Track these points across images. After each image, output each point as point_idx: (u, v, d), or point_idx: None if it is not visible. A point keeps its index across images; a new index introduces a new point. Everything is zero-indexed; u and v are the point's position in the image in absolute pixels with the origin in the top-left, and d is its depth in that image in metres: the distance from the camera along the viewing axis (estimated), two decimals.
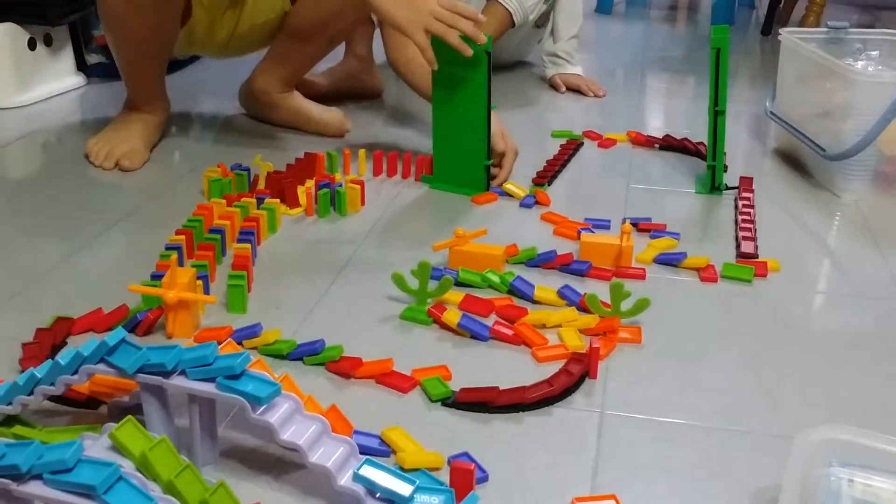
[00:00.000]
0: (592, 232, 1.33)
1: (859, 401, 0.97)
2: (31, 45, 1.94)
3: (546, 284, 1.18)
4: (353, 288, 1.18)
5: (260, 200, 1.37)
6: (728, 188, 1.53)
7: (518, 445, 0.88)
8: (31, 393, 0.82)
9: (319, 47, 1.74)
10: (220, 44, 1.71)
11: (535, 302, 1.15)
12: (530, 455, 0.87)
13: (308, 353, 1.00)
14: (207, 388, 0.78)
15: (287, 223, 1.37)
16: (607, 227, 1.36)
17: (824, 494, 0.73)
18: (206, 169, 1.47)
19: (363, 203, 1.44)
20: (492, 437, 0.89)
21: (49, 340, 1.01)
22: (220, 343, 0.91)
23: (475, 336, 1.06)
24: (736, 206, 1.46)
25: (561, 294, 1.15)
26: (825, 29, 1.71)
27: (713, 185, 1.53)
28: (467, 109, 1.45)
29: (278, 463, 0.84)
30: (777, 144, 1.79)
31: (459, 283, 1.17)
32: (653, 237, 1.34)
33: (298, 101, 1.80)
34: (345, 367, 0.98)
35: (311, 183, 1.46)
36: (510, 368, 1.01)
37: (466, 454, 0.85)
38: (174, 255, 1.13)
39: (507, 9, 2.07)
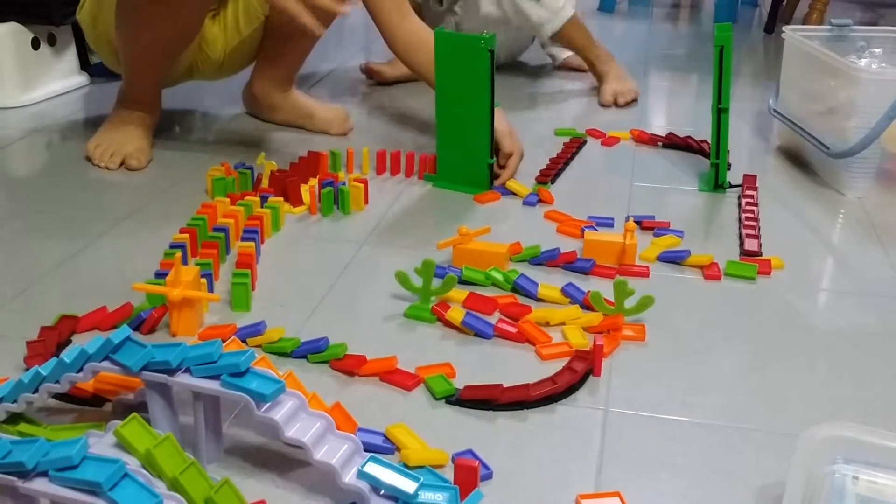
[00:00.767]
0: (596, 230, 1.33)
1: (863, 398, 0.97)
2: (35, 44, 1.94)
3: (550, 282, 1.18)
4: (356, 286, 1.18)
5: (264, 199, 1.37)
6: (731, 186, 1.53)
7: (522, 443, 0.88)
8: (37, 391, 0.83)
9: (307, 41, 1.74)
10: (215, 63, 1.71)
11: (538, 300, 1.15)
12: (534, 452, 0.87)
13: (312, 351, 1.00)
14: (212, 385, 0.78)
15: (290, 222, 1.38)
16: (611, 225, 1.36)
17: (829, 491, 0.73)
18: (209, 168, 1.47)
19: (366, 202, 1.44)
20: (496, 435, 0.89)
21: (54, 338, 1.01)
22: (224, 341, 0.91)
23: (479, 334, 1.06)
24: (739, 204, 1.46)
25: (565, 292, 1.15)
26: (829, 26, 1.70)
27: (716, 183, 1.53)
28: (470, 108, 1.45)
29: (283, 460, 0.84)
30: (780, 142, 1.78)
31: (463, 281, 1.17)
32: (656, 235, 1.34)
33: (300, 100, 1.80)
34: (349, 365, 0.98)
35: (314, 181, 1.46)
36: (514, 366, 1.01)
37: (470, 451, 0.85)
38: (178, 254, 1.12)
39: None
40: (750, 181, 1.53)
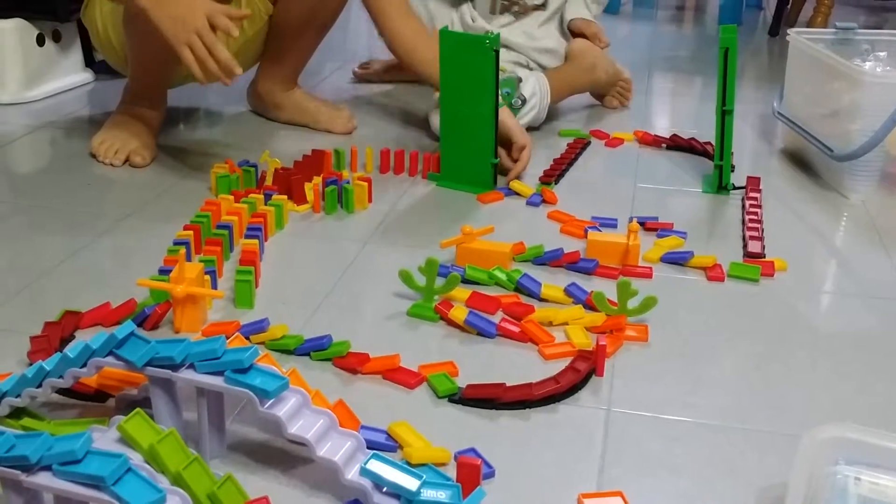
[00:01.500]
0: (599, 230, 1.33)
1: (865, 400, 0.98)
2: (40, 40, 1.94)
3: (553, 282, 1.18)
4: (360, 284, 1.18)
5: (267, 197, 1.37)
6: (735, 188, 1.53)
7: (524, 442, 0.88)
8: (40, 385, 0.83)
9: (311, 39, 1.74)
10: None
11: (541, 299, 1.15)
12: (537, 451, 0.87)
13: (315, 349, 1.00)
14: (216, 381, 0.78)
15: (294, 220, 1.38)
16: (614, 226, 1.36)
17: (831, 492, 0.73)
18: (213, 165, 1.48)
19: (370, 200, 1.44)
20: (498, 434, 0.89)
21: (57, 334, 1.01)
22: (227, 338, 0.91)
23: (482, 333, 1.06)
24: (743, 206, 1.46)
25: (568, 292, 1.15)
26: (834, 30, 1.70)
27: (720, 185, 1.53)
28: (475, 107, 1.45)
29: (285, 457, 0.84)
30: (784, 145, 1.78)
31: (466, 281, 1.17)
32: (660, 236, 1.34)
33: (304, 98, 1.80)
34: (352, 363, 0.98)
35: (318, 180, 1.46)
36: (517, 365, 1.01)
37: (473, 450, 0.85)
38: (182, 250, 1.13)
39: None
40: (753, 183, 1.53)
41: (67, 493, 0.67)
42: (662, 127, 1.89)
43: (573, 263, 1.23)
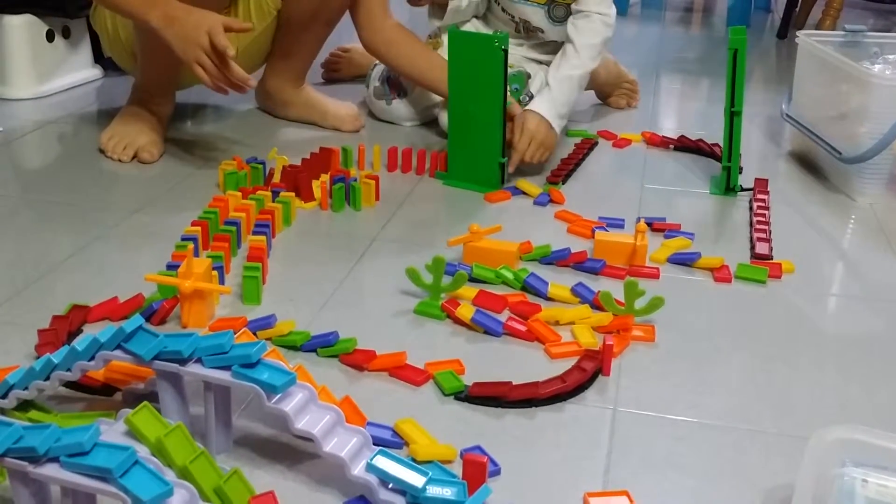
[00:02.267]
0: (606, 230, 1.33)
1: (871, 402, 0.97)
2: (50, 36, 1.95)
3: (560, 282, 1.18)
4: (367, 281, 1.19)
5: (275, 194, 1.37)
6: (743, 189, 1.53)
7: (530, 440, 0.88)
8: (48, 378, 0.83)
9: (318, 33, 1.74)
10: None
11: (548, 299, 1.15)
12: (542, 450, 0.87)
13: (322, 345, 1.00)
14: (223, 375, 0.79)
15: (302, 217, 1.38)
16: (621, 227, 1.36)
17: (838, 494, 0.73)
18: (221, 162, 1.48)
19: (378, 198, 1.44)
20: (504, 432, 0.89)
21: (65, 328, 1.01)
22: (235, 333, 0.91)
23: (489, 331, 1.06)
24: (751, 208, 1.46)
25: (575, 291, 1.15)
26: (843, 32, 1.70)
27: (728, 187, 1.52)
28: (483, 107, 1.45)
29: (292, 452, 0.84)
30: (792, 147, 1.78)
31: (473, 279, 1.17)
32: (667, 237, 1.34)
33: (312, 96, 1.80)
34: (358, 360, 0.98)
35: (325, 177, 1.46)
36: (523, 364, 1.01)
37: (479, 447, 0.85)
38: (190, 246, 1.13)
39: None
40: (761, 185, 1.53)
41: (75, 484, 0.67)
42: (670, 128, 1.89)
43: (580, 263, 1.23)
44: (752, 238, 1.34)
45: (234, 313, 1.08)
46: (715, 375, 1.01)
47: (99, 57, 2.09)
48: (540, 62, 1.77)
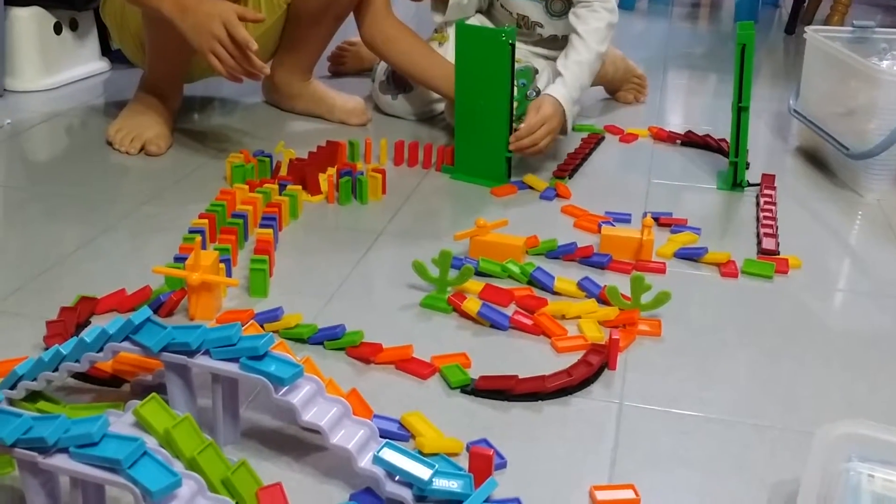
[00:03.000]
0: (613, 225, 1.33)
1: (878, 397, 0.97)
2: (57, 29, 1.95)
3: (566, 276, 1.18)
4: (373, 275, 1.19)
5: (282, 187, 1.38)
6: (750, 185, 1.53)
7: (536, 434, 0.88)
8: (56, 369, 0.83)
9: (328, 27, 1.74)
10: None
11: (554, 293, 1.15)
12: (549, 443, 0.87)
13: (329, 338, 1.01)
14: (231, 367, 0.79)
15: (308, 210, 1.38)
16: (628, 221, 1.36)
17: (844, 489, 0.73)
18: (229, 155, 1.48)
19: (384, 192, 1.44)
20: (510, 425, 0.89)
21: (73, 319, 1.02)
22: (242, 325, 0.92)
23: (495, 325, 1.07)
24: (757, 203, 1.46)
25: (581, 286, 1.15)
26: (851, 28, 1.70)
27: (735, 182, 1.52)
28: (490, 101, 1.45)
29: (299, 444, 0.85)
30: (800, 142, 1.78)
31: (480, 273, 1.18)
32: (673, 232, 1.34)
33: (319, 89, 1.80)
34: (365, 353, 0.99)
35: (332, 171, 1.46)
36: (529, 358, 1.01)
37: (485, 441, 0.85)
38: (198, 239, 1.13)
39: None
40: (768, 180, 1.53)
41: (83, 475, 0.68)
42: (677, 123, 1.89)
43: (586, 258, 1.23)
44: (758, 233, 1.34)
45: (241, 306, 1.09)
46: (721, 370, 1.01)
47: (106, 49, 2.10)
48: (547, 58, 1.77)
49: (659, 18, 3.15)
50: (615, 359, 0.99)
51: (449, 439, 0.85)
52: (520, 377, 0.95)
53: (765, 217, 1.38)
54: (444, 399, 0.93)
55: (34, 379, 0.84)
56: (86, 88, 1.96)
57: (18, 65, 1.90)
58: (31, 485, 0.71)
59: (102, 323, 0.85)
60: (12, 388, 0.84)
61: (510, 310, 1.10)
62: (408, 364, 0.98)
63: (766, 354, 1.04)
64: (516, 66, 1.47)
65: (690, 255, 1.26)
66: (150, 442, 0.71)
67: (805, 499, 0.70)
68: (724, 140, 1.67)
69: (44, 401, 0.85)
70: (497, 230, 1.24)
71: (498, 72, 1.43)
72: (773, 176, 1.54)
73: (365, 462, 0.76)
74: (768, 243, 1.30)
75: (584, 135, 1.75)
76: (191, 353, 0.80)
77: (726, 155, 1.57)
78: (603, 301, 1.12)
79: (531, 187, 1.49)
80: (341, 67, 2.12)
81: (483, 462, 0.78)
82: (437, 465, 0.74)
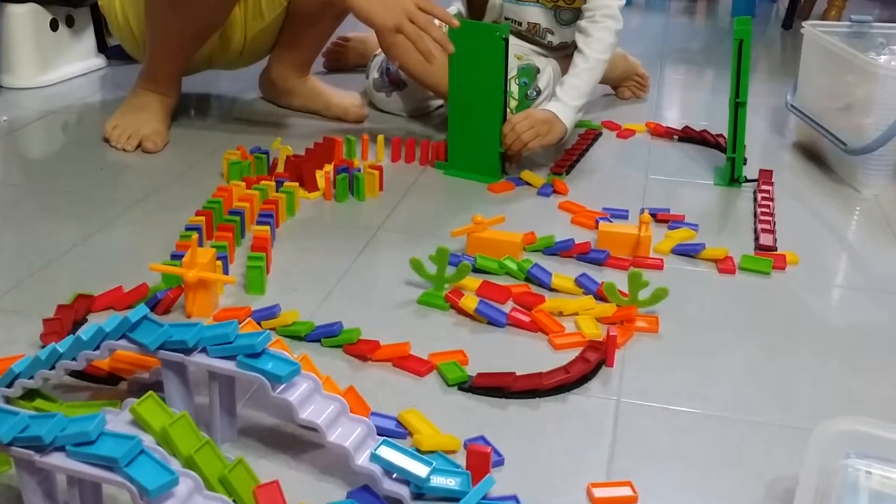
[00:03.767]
0: (610, 221, 1.33)
1: (875, 394, 0.97)
2: (53, 25, 1.95)
3: (563, 272, 1.18)
4: (370, 272, 1.19)
5: (279, 184, 1.37)
6: (747, 181, 1.52)
7: (534, 431, 0.88)
8: (53, 367, 0.83)
9: (327, 26, 1.74)
10: (235, 52, 1.71)
11: (552, 290, 1.15)
12: (546, 440, 0.87)
13: (326, 335, 1.01)
14: (228, 365, 0.79)
15: (305, 207, 1.38)
16: (625, 217, 1.36)
17: (841, 486, 0.73)
18: (225, 151, 1.48)
19: (381, 188, 1.44)
20: (508, 422, 0.89)
21: (70, 317, 1.02)
22: (239, 323, 0.92)
23: (492, 322, 1.07)
24: (755, 199, 1.46)
25: (578, 282, 1.15)
26: (848, 23, 1.70)
27: (732, 178, 1.52)
28: (483, 97, 1.45)
29: (296, 442, 0.85)
30: (797, 138, 1.78)
31: (477, 270, 1.17)
32: (671, 228, 1.34)
33: (316, 86, 1.80)
34: (362, 350, 0.99)
35: (329, 167, 1.46)
36: (527, 355, 1.01)
37: (483, 438, 0.85)
38: (194, 236, 1.13)
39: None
40: (766, 176, 1.53)
41: (80, 473, 0.68)
42: (674, 119, 1.89)
43: (584, 254, 1.23)
44: (756, 229, 1.34)
45: (238, 303, 1.09)
46: (719, 367, 1.01)
47: (103, 46, 2.09)
48: (548, 56, 1.77)
49: (656, 13, 3.15)
50: (613, 355, 0.99)
51: (446, 437, 0.85)
52: (517, 374, 0.95)
53: (762, 213, 1.38)
54: (441, 396, 0.93)
55: (31, 377, 0.83)
56: (82, 85, 1.96)
57: (14, 61, 1.89)
58: (28, 483, 0.71)
59: (99, 321, 0.85)
60: (9, 386, 0.83)
61: (507, 306, 1.10)
62: (405, 361, 0.97)
63: (764, 351, 1.05)
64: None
65: (688, 252, 1.26)
66: (147, 440, 0.71)
67: (802, 495, 0.70)
68: (721, 136, 1.66)
69: (40, 399, 0.85)
70: (494, 227, 1.24)
71: (491, 67, 1.43)
72: (771, 172, 1.54)
73: (362, 459, 0.76)
74: (766, 239, 1.30)
75: (582, 131, 1.75)
76: (187, 351, 0.80)
77: (724, 151, 1.56)
78: (600, 297, 1.12)
79: (528, 183, 1.49)
80: (336, 63, 2.11)
81: (480, 459, 0.78)
82: (434, 463, 0.74)
